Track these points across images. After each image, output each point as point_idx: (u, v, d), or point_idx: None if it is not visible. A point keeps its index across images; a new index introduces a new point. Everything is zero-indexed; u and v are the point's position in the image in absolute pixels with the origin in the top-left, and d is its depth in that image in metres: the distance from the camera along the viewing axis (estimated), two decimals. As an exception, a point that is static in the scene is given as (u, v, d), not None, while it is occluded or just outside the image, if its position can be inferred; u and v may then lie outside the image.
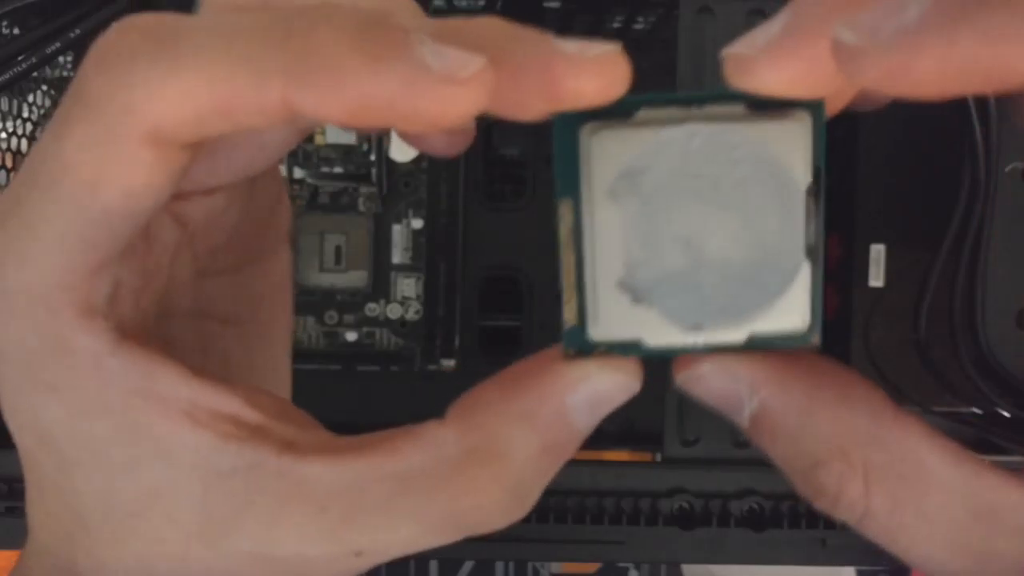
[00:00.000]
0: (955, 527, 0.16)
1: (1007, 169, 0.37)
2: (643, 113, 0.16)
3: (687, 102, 0.16)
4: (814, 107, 0.16)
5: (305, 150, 0.36)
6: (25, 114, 0.39)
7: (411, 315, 0.37)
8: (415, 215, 0.37)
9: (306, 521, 0.16)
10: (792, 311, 0.16)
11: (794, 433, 0.16)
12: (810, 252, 0.16)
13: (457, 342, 0.37)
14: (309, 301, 0.37)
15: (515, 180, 0.38)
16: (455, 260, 0.37)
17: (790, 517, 0.36)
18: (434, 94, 0.14)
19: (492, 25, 0.15)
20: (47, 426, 0.16)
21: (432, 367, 0.37)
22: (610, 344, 0.16)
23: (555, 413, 0.16)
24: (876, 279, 0.38)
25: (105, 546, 0.16)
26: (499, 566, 0.43)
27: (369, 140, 0.36)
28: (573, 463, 0.37)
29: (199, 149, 0.16)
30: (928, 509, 0.16)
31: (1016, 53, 0.12)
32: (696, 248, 0.16)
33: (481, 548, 0.36)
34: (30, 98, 0.39)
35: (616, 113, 0.15)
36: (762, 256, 0.16)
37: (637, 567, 0.42)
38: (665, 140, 0.15)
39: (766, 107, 0.15)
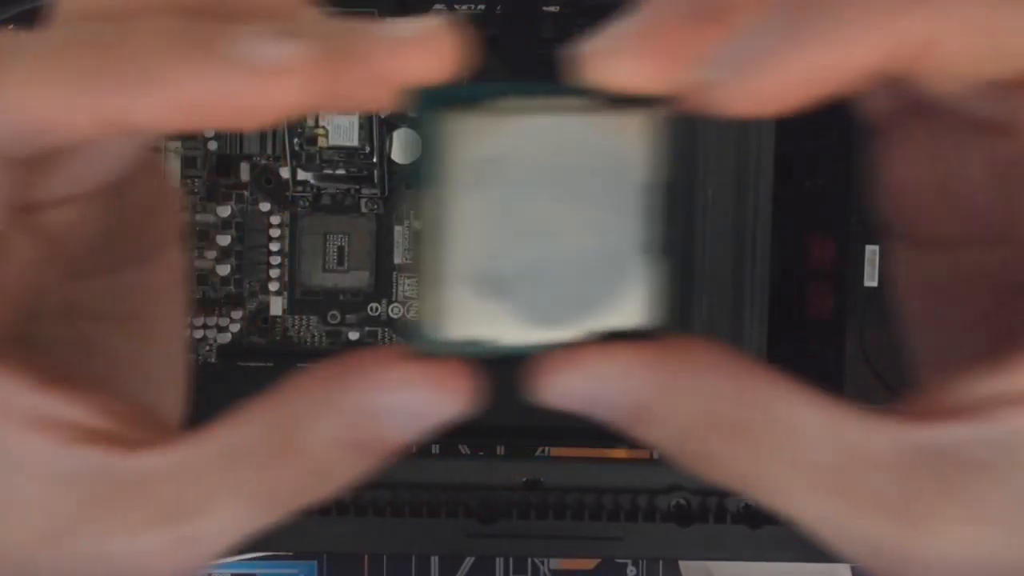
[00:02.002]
0: (823, 471, 0.16)
1: (1000, 171, 0.37)
2: (502, 102, 0.16)
3: (545, 92, 0.16)
4: (657, 105, 0.16)
5: (308, 152, 0.37)
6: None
7: (412, 315, 0.38)
8: (416, 216, 0.37)
9: (139, 513, 0.16)
10: (632, 306, 0.16)
11: (663, 413, 0.16)
12: (648, 248, 0.16)
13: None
14: (312, 301, 0.38)
15: (515, 182, 0.38)
16: (456, 260, 0.37)
17: (786, 514, 0.36)
18: (253, 87, 0.14)
19: (314, 19, 0.15)
20: None
21: (433, 366, 0.37)
22: (458, 344, 0.16)
23: (362, 413, 0.16)
24: (871, 279, 0.38)
25: None
26: (499, 562, 0.43)
27: (372, 142, 0.36)
28: (572, 460, 0.38)
29: (38, 162, 0.16)
30: (797, 457, 0.16)
31: (854, 52, 0.13)
32: (547, 242, 0.16)
33: (481, 544, 0.36)
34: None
35: (475, 100, 0.16)
36: (605, 251, 0.16)
37: (635, 563, 0.42)
38: (523, 129, 0.16)
39: (618, 103, 0.16)
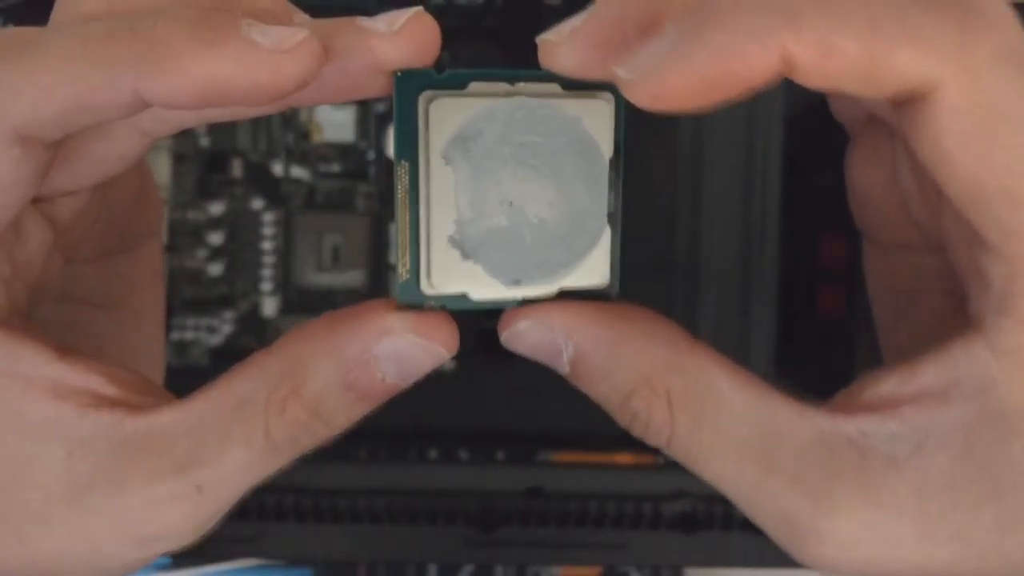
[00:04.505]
0: (744, 444, 0.18)
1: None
2: (474, 85, 0.18)
3: (513, 78, 0.18)
4: (616, 90, 0.18)
5: (302, 148, 0.36)
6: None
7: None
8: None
9: (154, 464, 0.18)
10: (595, 268, 0.19)
11: (605, 369, 0.18)
12: (610, 218, 0.19)
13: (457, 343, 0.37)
14: (307, 301, 0.37)
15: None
16: (454, 260, 0.36)
17: (795, 520, 0.35)
18: (266, 64, 0.16)
19: (310, 21, 0.18)
20: None
21: (431, 368, 0.37)
22: (439, 297, 0.18)
23: (358, 357, 0.18)
24: (882, 279, 0.37)
25: None
26: (499, 571, 0.42)
27: (367, 138, 0.36)
28: (574, 466, 0.37)
29: (62, 146, 0.18)
30: (721, 427, 0.18)
31: (732, 62, 0.15)
32: (517, 210, 0.18)
33: (480, 553, 0.35)
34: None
35: (451, 84, 0.18)
36: (572, 220, 0.18)
37: (639, 571, 0.42)
38: (493, 109, 0.18)
39: (579, 88, 0.18)
